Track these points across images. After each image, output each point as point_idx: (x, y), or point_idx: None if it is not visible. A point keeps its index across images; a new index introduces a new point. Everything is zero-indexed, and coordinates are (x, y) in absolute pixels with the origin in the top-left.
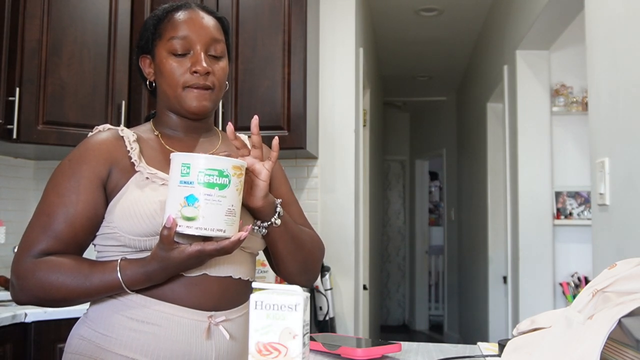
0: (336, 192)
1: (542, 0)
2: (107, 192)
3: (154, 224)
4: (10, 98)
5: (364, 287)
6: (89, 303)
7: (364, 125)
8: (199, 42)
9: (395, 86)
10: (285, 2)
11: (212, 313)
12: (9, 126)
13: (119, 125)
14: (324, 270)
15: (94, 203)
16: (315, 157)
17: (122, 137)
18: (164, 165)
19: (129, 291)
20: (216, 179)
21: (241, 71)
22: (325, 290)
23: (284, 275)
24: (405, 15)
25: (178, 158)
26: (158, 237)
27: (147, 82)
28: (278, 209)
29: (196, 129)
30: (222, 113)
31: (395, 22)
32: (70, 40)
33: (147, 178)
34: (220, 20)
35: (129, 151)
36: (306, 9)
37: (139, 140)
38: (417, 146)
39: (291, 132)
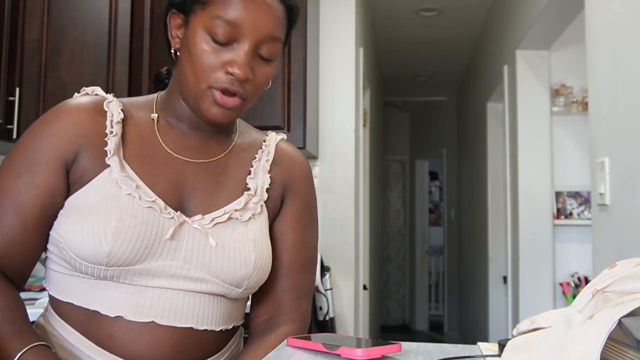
0: (336, 192)
1: (542, 0)
2: (70, 180)
3: (98, 252)
4: (10, 98)
5: (364, 287)
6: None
7: (364, 125)
8: (250, 36)
9: (395, 86)
10: None
11: None
12: (9, 126)
13: None
14: (324, 270)
15: (51, 188)
16: (315, 157)
17: (106, 112)
18: (147, 163)
19: None
20: None
21: None
22: (325, 290)
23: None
24: (405, 15)
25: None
26: (102, 267)
27: (171, 49)
28: None
29: (206, 126)
30: None
31: (395, 22)
32: (70, 40)
33: (115, 180)
34: (289, 9)
35: (107, 134)
36: (306, 8)
37: (126, 121)
38: (417, 146)
39: (291, 132)
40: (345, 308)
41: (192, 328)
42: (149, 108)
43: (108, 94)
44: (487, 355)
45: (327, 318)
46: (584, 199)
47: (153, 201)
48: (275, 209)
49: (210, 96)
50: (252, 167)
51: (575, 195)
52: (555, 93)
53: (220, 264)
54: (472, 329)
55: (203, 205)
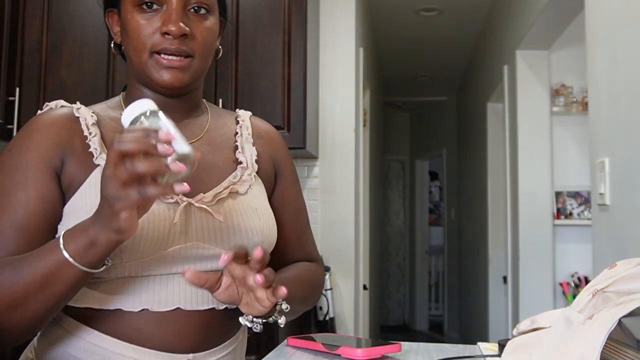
0: (336, 192)
1: (542, 0)
2: (63, 187)
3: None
4: (10, 98)
5: (364, 287)
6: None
7: (364, 125)
8: None
9: (395, 86)
10: (285, 2)
11: (192, 356)
12: (9, 126)
13: None
14: (324, 270)
15: (50, 198)
16: (315, 157)
17: (78, 117)
18: None
19: (81, 267)
20: None
21: (241, 71)
22: (325, 290)
23: None
24: (405, 15)
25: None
26: (119, 264)
27: (113, 45)
28: (279, 307)
29: (176, 107)
30: None
31: (395, 22)
32: (70, 40)
33: None
34: None
35: (86, 137)
36: (306, 9)
37: (99, 122)
38: (417, 146)
39: (291, 132)
40: (345, 308)
41: (213, 309)
42: (117, 107)
43: (73, 104)
44: (487, 355)
45: (327, 318)
46: (584, 199)
47: None
48: (269, 180)
49: (155, 63)
50: (236, 142)
51: (575, 195)
52: (555, 93)
53: (232, 236)
54: (472, 329)
55: (200, 185)
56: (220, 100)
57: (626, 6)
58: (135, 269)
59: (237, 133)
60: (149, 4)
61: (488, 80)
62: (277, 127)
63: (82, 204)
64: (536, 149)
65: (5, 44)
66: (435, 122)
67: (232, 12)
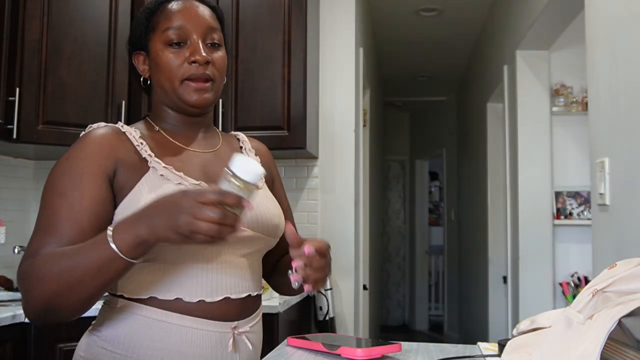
0: (336, 192)
1: (542, 0)
2: (115, 191)
3: None
4: (10, 98)
5: (364, 287)
6: (93, 317)
7: (364, 125)
8: (195, 31)
9: (395, 86)
10: (285, 2)
11: (235, 323)
12: (9, 126)
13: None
14: None
15: (101, 198)
16: (315, 157)
17: (124, 132)
18: (174, 160)
19: (128, 259)
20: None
21: (241, 71)
22: (325, 290)
23: (279, 290)
24: (405, 15)
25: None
26: (180, 248)
27: (142, 79)
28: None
29: (196, 124)
30: (222, 113)
31: (395, 22)
32: (70, 40)
33: (162, 175)
34: (214, 9)
35: (136, 146)
36: (306, 9)
37: (142, 137)
38: (417, 146)
39: (291, 132)
40: (345, 308)
41: (249, 295)
42: (147, 126)
43: (114, 123)
44: (487, 355)
45: (327, 318)
46: (584, 199)
47: (198, 184)
48: (268, 183)
49: (186, 87)
50: (243, 152)
51: (575, 195)
52: (555, 93)
53: (261, 219)
54: (472, 329)
55: None
56: (220, 101)
57: (626, 6)
58: (189, 253)
59: (241, 147)
60: (176, 42)
61: (488, 80)
62: (277, 127)
63: (140, 197)
64: (536, 149)
65: (5, 44)
66: (435, 122)
67: (232, 12)
